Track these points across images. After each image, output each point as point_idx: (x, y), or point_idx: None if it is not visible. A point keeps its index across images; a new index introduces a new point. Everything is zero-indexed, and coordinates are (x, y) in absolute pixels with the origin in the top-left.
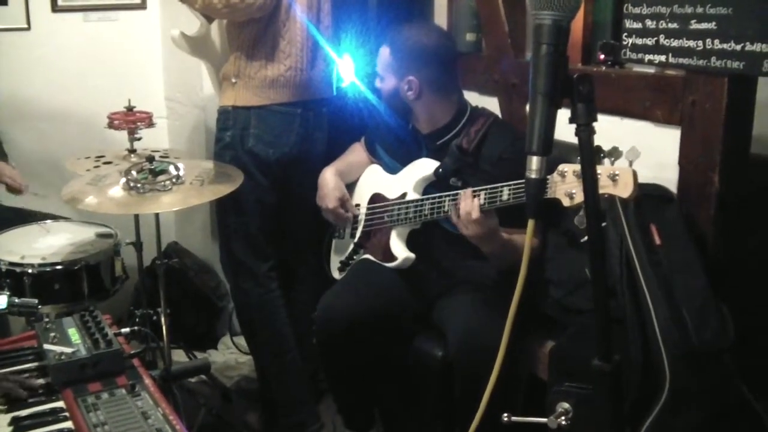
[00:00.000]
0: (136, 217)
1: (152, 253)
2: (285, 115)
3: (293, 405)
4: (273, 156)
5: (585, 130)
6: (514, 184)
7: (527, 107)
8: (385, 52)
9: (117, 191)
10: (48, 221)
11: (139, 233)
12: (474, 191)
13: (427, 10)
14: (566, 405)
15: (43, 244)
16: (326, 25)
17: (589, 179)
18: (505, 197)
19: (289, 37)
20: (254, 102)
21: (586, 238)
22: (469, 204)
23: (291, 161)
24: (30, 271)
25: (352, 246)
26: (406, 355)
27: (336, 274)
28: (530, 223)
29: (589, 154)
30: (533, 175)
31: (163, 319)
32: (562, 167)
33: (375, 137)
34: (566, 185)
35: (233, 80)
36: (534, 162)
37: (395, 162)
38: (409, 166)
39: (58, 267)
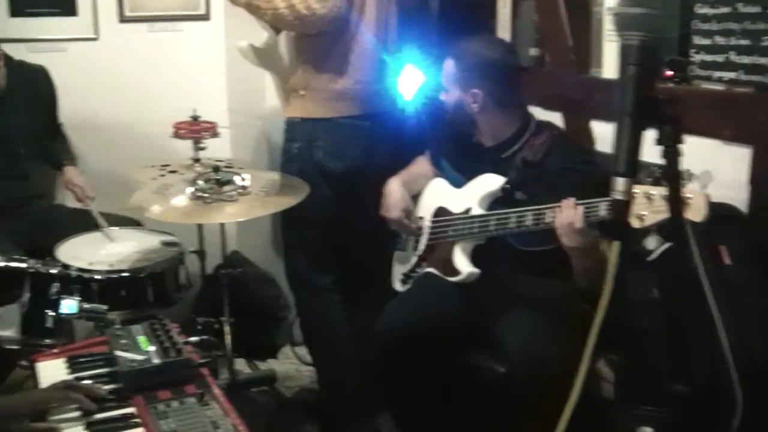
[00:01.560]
0: (200, 225)
1: (214, 261)
2: (352, 128)
3: (352, 417)
4: (339, 168)
5: (671, 152)
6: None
7: (591, 123)
8: (449, 65)
9: (182, 200)
10: (114, 228)
11: (202, 242)
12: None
13: (489, 24)
14: (648, 430)
15: (110, 251)
16: (392, 39)
17: (674, 200)
18: None
19: (357, 51)
20: (322, 114)
21: (651, 257)
22: (571, 214)
23: (356, 174)
24: (97, 277)
25: (415, 259)
26: (466, 370)
27: (398, 287)
28: (615, 245)
29: (675, 177)
30: (619, 197)
31: (226, 329)
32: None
33: (439, 151)
34: (636, 206)
35: (301, 92)
36: (620, 183)
37: (459, 176)
38: (474, 180)
39: (125, 274)
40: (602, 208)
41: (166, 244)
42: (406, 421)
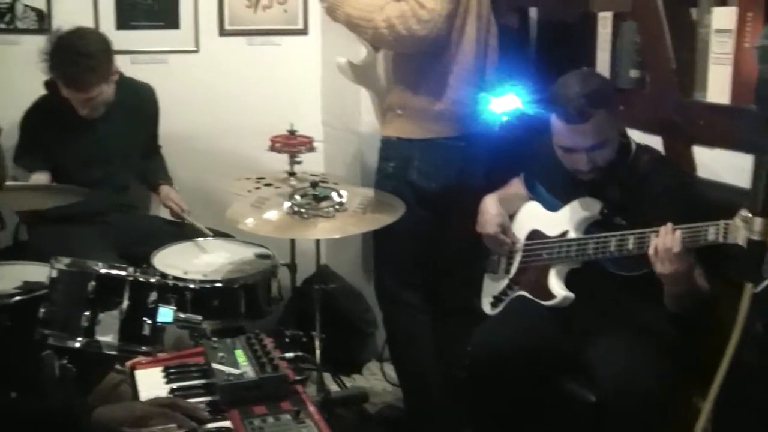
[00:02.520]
0: (292, 239)
1: (303, 274)
2: (448, 148)
3: None
4: (433, 189)
5: None
6: (687, 227)
7: (693, 148)
8: (601, 116)
9: (279, 214)
10: (209, 238)
11: (294, 255)
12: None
13: (589, 46)
14: None
15: (203, 261)
16: (492, 60)
17: None
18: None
19: (456, 71)
20: (418, 134)
21: (758, 289)
22: (669, 239)
23: (450, 194)
24: (192, 286)
25: (506, 282)
26: (555, 396)
27: (488, 309)
28: (747, 288)
29: None
30: (756, 237)
31: (317, 344)
32: (745, 212)
33: (535, 174)
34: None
35: (398, 111)
36: (758, 224)
37: (555, 199)
38: (571, 204)
39: (218, 284)
40: (703, 235)
41: (260, 256)
42: None
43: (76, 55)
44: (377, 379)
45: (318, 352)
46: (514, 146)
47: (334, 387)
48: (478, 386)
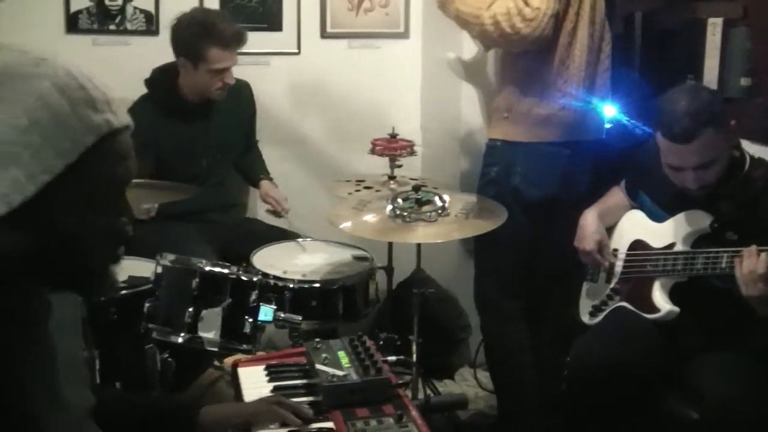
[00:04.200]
0: (390, 242)
1: (397, 277)
2: (553, 155)
3: None
4: (536, 196)
5: None
6: None
7: None
8: (710, 135)
9: (379, 217)
10: (308, 239)
11: (391, 258)
12: (760, 250)
13: (697, 53)
14: None
15: (302, 262)
16: (605, 67)
17: None
18: None
19: (566, 76)
20: (524, 138)
21: None
22: (753, 262)
23: (552, 202)
24: (291, 286)
25: (606, 292)
26: (656, 412)
27: (586, 319)
28: None
29: None
30: None
31: (414, 348)
32: None
33: (639, 183)
34: None
35: (505, 114)
36: None
37: (661, 210)
38: (679, 215)
39: (316, 285)
40: None
41: (358, 258)
42: None
43: (220, 16)
44: (469, 385)
45: (415, 357)
46: (618, 155)
47: (426, 392)
48: (576, 398)
